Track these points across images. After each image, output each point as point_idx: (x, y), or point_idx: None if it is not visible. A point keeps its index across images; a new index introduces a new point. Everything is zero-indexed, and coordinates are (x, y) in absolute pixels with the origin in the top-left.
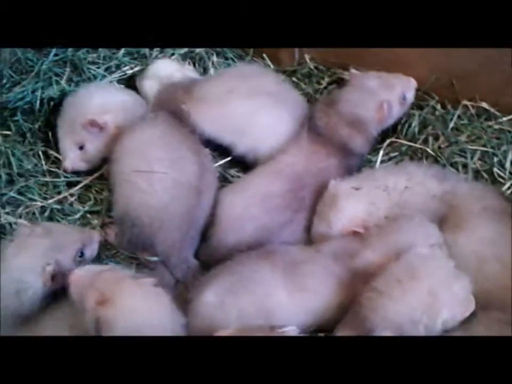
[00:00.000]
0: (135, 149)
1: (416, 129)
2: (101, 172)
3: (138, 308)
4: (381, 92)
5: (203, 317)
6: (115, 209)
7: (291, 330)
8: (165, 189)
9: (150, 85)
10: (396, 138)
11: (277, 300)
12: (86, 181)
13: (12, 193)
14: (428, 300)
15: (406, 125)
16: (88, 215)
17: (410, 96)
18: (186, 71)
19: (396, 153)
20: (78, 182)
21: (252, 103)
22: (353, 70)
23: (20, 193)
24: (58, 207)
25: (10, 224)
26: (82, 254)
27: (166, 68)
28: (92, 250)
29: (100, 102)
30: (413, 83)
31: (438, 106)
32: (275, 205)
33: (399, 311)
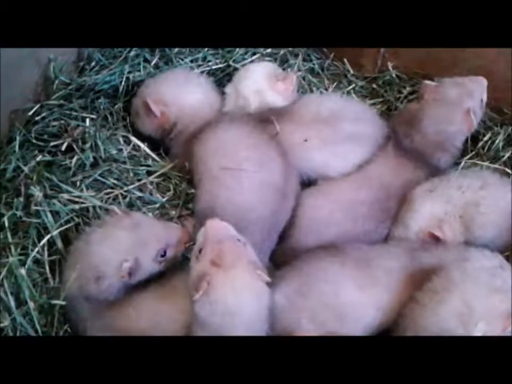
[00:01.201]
0: (222, 147)
1: (501, 145)
2: (175, 163)
3: (243, 295)
4: (464, 100)
5: (275, 318)
6: (198, 204)
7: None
8: (253, 188)
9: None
10: (477, 154)
11: (348, 297)
12: (163, 169)
13: (97, 176)
14: (462, 310)
15: (489, 142)
16: (167, 205)
17: (485, 97)
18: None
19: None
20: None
21: (326, 153)
22: (426, 81)
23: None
24: (140, 194)
25: (94, 207)
26: (164, 254)
27: (262, 81)
28: (176, 251)
29: (164, 90)
30: (485, 83)
31: None
32: (361, 213)
33: (434, 321)
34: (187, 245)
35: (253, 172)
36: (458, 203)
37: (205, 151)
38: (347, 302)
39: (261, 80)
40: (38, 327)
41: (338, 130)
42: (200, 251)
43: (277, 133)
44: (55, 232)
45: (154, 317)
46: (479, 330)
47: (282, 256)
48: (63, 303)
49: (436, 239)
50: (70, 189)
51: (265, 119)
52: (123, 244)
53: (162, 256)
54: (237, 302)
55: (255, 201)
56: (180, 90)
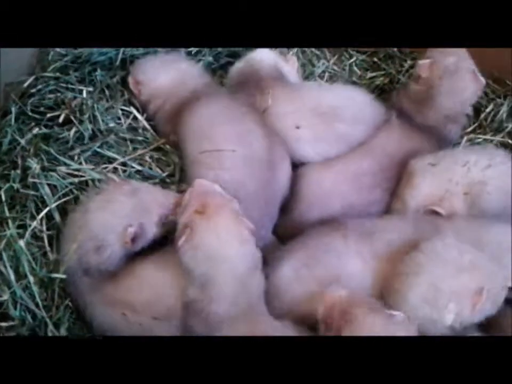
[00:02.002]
0: (199, 128)
1: (504, 116)
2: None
3: (225, 238)
4: (465, 64)
5: (281, 291)
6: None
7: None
8: (236, 165)
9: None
10: (479, 126)
11: (351, 269)
12: (159, 142)
13: (95, 148)
14: (430, 295)
15: (492, 113)
16: (168, 180)
17: None
18: (285, 67)
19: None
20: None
21: (315, 148)
22: (420, 61)
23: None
24: (139, 168)
25: (92, 180)
26: (165, 219)
27: (265, 57)
28: (175, 216)
29: (141, 70)
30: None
31: None
32: (365, 183)
33: (408, 309)
34: None
35: (232, 150)
36: (462, 181)
37: (184, 134)
38: (351, 273)
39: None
40: (38, 300)
41: (332, 130)
42: (186, 204)
43: (267, 107)
44: (53, 205)
45: (156, 287)
46: (450, 312)
47: (286, 230)
48: (63, 276)
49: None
50: (68, 161)
51: (259, 87)
52: (125, 210)
53: (165, 219)
54: (219, 245)
55: (240, 178)
56: (154, 71)
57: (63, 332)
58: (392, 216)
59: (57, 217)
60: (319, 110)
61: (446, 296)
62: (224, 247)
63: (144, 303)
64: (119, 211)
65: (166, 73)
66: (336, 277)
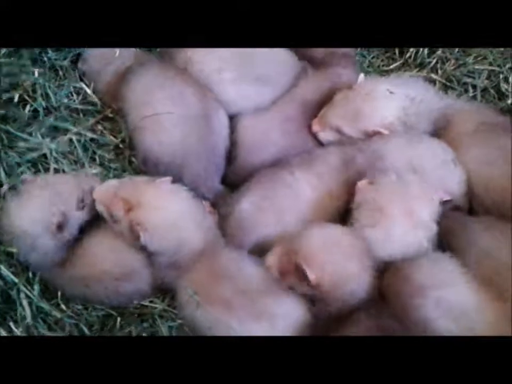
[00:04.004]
0: (135, 97)
1: (426, 53)
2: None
3: (164, 204)
4: None
5: (242, 224)
6: (137, 155)
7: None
8: (174, 125)
9: None
10: (404, 63)
11: (303, 196)
12: (107, 111)
13: (51, 120)
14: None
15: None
16: (121, 145)
17: None
18: None
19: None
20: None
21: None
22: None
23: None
24: (94, 136)
25: (51, 151)
26: (82, 201)
27: None
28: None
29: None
30: None
31: None
32: (292, 128)
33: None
34: None
35: (168, 112)
36: (410, 112)
37: (124, 105)
38: (303, 199)
39: None
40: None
41: (252, 70)
42: (111, 216)
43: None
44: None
45: (115, 254)
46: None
47: (233, 176)
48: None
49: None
50: (27, 137)
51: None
52: (43, 202)
53: (82, 202)
54: (170, 213)
55: (179, 136)
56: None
57: (36, 292)
58: (323, 148)
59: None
60: (238, 52)
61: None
62: (170, 210)
63: (108, 274)
64: (38, 205)
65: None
66: (292, 204)
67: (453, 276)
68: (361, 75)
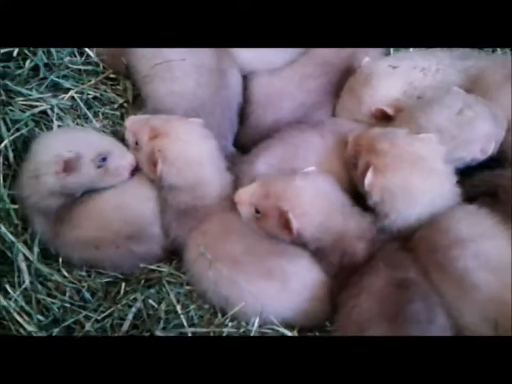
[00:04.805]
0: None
1: None
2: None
3: (190, 140)
4: None
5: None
6: (146, 108)
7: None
8: (187, 74)
9: None
10: None
11: (328, 165)
12: (108, 72)
13: (53, 77)
14: None
15: None
16: (125, 104)
17: None
18: None
19: None
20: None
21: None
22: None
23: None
24: (97, 94)
25: (52, 107)
26: (104, 160)
27: None
28: (117, 166)
29: None
30: None
31: None
32: (312, 86)
33: None
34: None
35: (182, 59)
36: (420, 85)
37: (131, 57)
38: (328, 169)
39: None
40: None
41: None
42: (136, 143)
43: None
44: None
45: (124, 212)
46: None
47: (245, 136)
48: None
49: (387, 117)
50: (27, 92)
51: None
52: (64, 139)
53: (102, 160)
54: (194, 149)
55: (192, 86)
56: None
57: (35, 254)
58: None
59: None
60: None
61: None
62: (198, 150)
63: (116, 228)
64: (60, 141)
65: None
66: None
67: (492, 229)
68: (366, 58)
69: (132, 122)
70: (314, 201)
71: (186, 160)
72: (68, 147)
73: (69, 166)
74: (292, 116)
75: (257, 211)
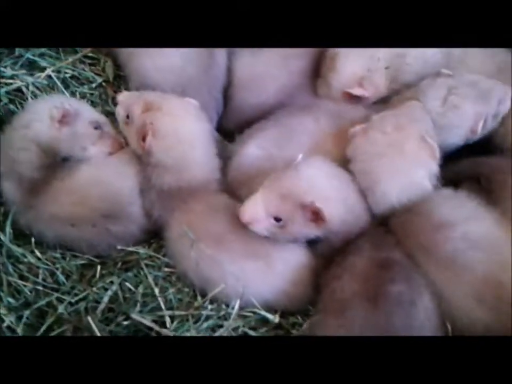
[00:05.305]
0: None
1: None
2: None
3: (183, 116)
4: None
5: (246, 168)
6: (131, 84)
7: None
8: (176, 51)
9: None
10: None
11: (323, 148)
12: (87, 51)
13: (29, 55)
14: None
15: None
16: (104, 84)
17: None
18: None
19: None
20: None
21: None
22: None
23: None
24: (74, 73)
25: (27, 85)
26: (98, 127)
27: None
28: (105, 145)
29: None
30: None
31: None
32: (294, 67)
33: None
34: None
35: None
36: (384, 56)
37: None
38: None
39: None
40: None
41: None
42: (127, 117)
43: None
44: None
45: (101, 188)
46: None
47: (229, 120)
48: None
49: (357, 98)
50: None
51: None
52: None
53: (96, 128)
54: (187, 127)
55: (180, 61)
56: None
57: (7, 234)
58: None
59: None
60: None
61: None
62: (189, 128)
63: (94, 204)
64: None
65: None
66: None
67: (476, 210)
68: None
69: (125, 96)
70: (331, 184)
71: (177, 136)
72: (70, 102)
73: (66, 118)
74: (275, 98)
75: (276, 219)
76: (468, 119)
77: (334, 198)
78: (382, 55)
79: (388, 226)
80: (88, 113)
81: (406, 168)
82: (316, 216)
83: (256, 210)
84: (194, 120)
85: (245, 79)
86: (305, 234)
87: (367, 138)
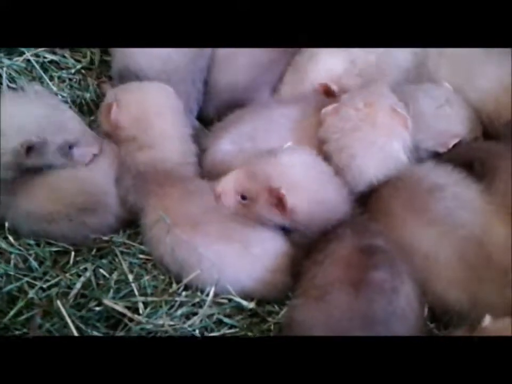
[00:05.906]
0: None
1: None
2: None
3: (149, 91)
4: None
5: (218, 163)
6: (114, 66)
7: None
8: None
9: None
10: None
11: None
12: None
13: None
14: None
15: None
16: (83, 71)
17: None
18: None
19: None
20: None
21: None
22: None
23: None
24: (54, 57)
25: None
26: (70, 148)
27: None
28: (81, 154)
29: None
30: None
31: None
32: (267, 57)
33: None
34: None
35: None
36: (361, 64)
37: None
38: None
39: None
40: None
41: None
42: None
43: None
44: None
45: (77, 183)
46: None
47: (210, 108)
48: None
49: (330, 93)
50: None
51: None
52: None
53: (69, 148)
54: (153, 99)
55: (171, 50)
56: None
57: None
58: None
59: None
60: None
61: None
62: (153, 96)
63: (70, 199)
64: (33, 117)
65: None
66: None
67: (464, 179)
68: None
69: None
70: (305, 175)
71: (142, 106)
72: (38, 131)
73: (32, 151)
74: (249, 75)
75: (243, 197)
76: (449, 134)
77: (303, 188)
78: (360, 62)
79: (369, 206)
80: (58, 137)
81: (380, 140)
82: (280, 202)
83: (228, 183)
84: (161, 94)
85: (219, 58)
86: (270, 219)
87: (340, 116)
